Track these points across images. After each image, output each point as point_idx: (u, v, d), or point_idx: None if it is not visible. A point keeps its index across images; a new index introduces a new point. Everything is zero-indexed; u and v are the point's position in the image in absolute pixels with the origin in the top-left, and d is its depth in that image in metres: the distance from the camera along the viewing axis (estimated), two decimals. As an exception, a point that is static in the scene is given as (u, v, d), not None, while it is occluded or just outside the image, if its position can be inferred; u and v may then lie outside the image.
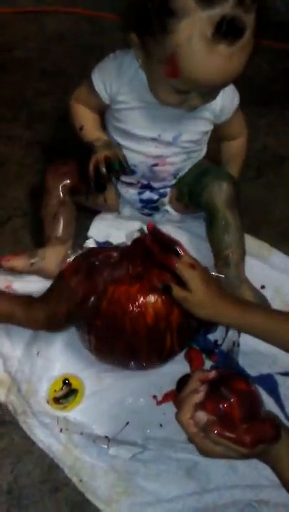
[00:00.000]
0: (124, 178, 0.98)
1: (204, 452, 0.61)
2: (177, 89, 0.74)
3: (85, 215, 1.03)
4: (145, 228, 1.03)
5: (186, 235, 1.01)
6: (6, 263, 0.90)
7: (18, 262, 0.91)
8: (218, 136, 0.97)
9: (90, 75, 0.87)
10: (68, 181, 0.94)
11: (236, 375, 0.68)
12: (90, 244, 1.01)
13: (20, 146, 1.23)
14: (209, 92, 0.77)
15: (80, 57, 1.46)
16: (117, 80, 0.83)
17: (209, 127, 0.92)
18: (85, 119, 0.91)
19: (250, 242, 1.00)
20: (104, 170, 0.83)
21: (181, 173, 0.96)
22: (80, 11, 1.65)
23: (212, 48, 0.66)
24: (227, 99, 0.87)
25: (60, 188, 0.94)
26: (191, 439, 0.61)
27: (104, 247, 0.98)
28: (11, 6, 1.65)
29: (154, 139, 0.88)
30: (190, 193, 0.95)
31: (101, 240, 1.02)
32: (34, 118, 1.30)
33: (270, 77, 1.47)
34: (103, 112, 0.92)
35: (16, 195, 1.12)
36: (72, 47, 1.53)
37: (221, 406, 0.59)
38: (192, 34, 0.65)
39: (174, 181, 0.97)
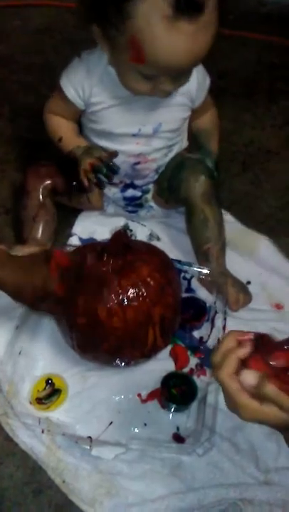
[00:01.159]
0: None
1: (249, 414, 0.52)
2: (146, 75, 0.72)
3: (68, 212, 1.02)
4: (130, 224, 1.02)
5: (169, 230, 1.00)
6: None
7: None
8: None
9: (58, 84, 0.85)
10: (49, 183, 0.92)
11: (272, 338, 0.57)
12: (73, 241, 1.00)
13: (3, 141, 1.21)
14: (179, 75, 0.75)
15: (66, 50, 1.44)
16: (88, 82, 0.82)
17: (187, 113, 0.90)
18: (62, 129, 0.89)
19: (239, 231, 1.00)
20: (94, 179, 0.83)
21: (162, 168, 0.95)
22: (65, 4, 1.62)
23: (173, 28, 0.64)
24: (201, 82, 0.87)
25: (41, 189, 0.92)
26: (232, 399, 0.52)
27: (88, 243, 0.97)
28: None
29: (134, 135, 0.87)
30: (169, 188, 0.94)
31: (85, 236, 1.01)
32: (17, 113, 1.28)
33: (256, 70, 1.46)
34: (78, 118, 0.91)
35: (0, 192, 1.10)
36: (57, 41, 1.51)
37: (269, 361, 0.52)
38: (151, 16, 0.64)
39: (156, 177, 0.96)
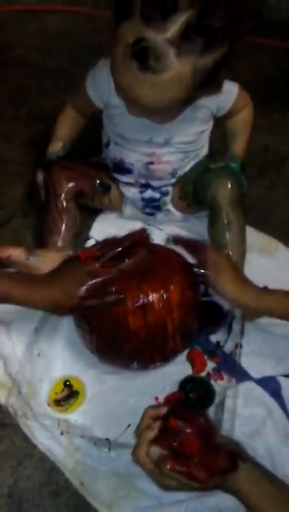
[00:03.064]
0: (122, 178, 0.97)
1: (162, 487, 0.61)
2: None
3: (86, 215, 1.02)
4: (147, 228, 1.02)
5: (192, 235, 1.00)
6: (2, 251, 0.88)
7: (15, 252, 0.88)
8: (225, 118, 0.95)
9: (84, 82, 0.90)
10: (73, 186, 0.93)
11: (187, 408, 0.71)
12: (91, 244, 1.00)
13: (20, 144, 1.22)
14: (136, 106, 0.74)
15: (81, 55, 1.45)
16: (109, 85, 0.83)
17: (204, 127, 0.90)
18: (64, 125, 0.98)
19: (258, 237, 1.00)
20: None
21: (180, 172, 0.96)
22: (81, 10, 1.64)
23: (127, 59, 0.64)
24: (223, 98, 0.87)
25: (64, 193, 0.93)
26: (148, 475, 0.61)
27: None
28: (12, 4, 1.64)
29: (146, 142, 0.88)
30: (194, 192, 0.95)
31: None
32: (34, 116, 1.30)
33: (271, 76, 1.47)
34: (94, 115, 0.95)
35: (16, 194, 1.11)
36: (72, 45, 1.52)
37: (173, 441, 0.61)
38: (123, 35, 0.64)
39: (173, 180, 0.97)
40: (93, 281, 0.71)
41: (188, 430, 0.61)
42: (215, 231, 0.91)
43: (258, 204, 1.11)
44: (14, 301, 0.73)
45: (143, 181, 0.96)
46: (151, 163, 0.92)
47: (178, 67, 0.64)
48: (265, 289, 0.81)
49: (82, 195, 0.95)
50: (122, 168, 0.96)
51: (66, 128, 0.98)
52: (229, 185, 0.89)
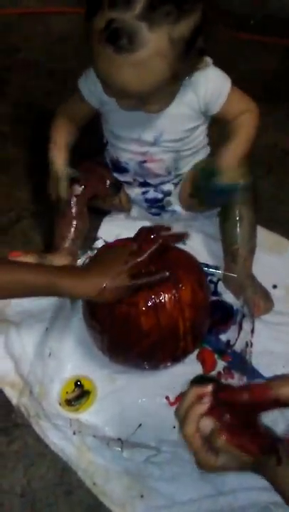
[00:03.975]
0: (120, 177, 0.98)
1: (204, 465, 0.58)
2: None
3: (94, 216, 1.02)
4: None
5: (195, 234, 1.00)
6: (15, 258, 0.89)
7: (27, 258, 0.90)
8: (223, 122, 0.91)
9: (76, 85, 0.89)
10: (89, 192, 0.94)
11: (233, 387, 0.66)
12: (99, 244, 1.01)
13: (28, 146, 1.23)
14: (122, 97, 0.74)
15: (86, 57, 1.45)
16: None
17: (195, 123, 0.88)
18: (59, 133, 0.94)
19: (267, 235, 0.99)
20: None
21: (178, 171, 0.95)
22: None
23: (102, 47, 0.65)
24: (212, 91, 0.84)
25: (80, 200, 0.93)
26: (193, 453, 0.58)
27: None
28: (17, 7, 1.65)
29: (135, 140, 0.88)
30: (206, 187, 0.93)
31: (110, 240, 1.01)
32: (41, 118, 1.30)
33: (278, 74, 1.46)
34: (88, 122, 0.94)
35: (24, 195, 1.12)
36: (77, 47, 1.52)
37: (225, 415, 0.57)
38: (95, 25, 0.65)
39: (172, 178, 0.96)
40: (139, 259, 0.72)
41: (236, 407, 0.57)
42: (226, 227, 0.92)
43: (266, 202, 1.10)
44: (60, 291, 0.71)
45: (140, 180, 0.96)
46: (145, 161, 0.92)
47: (153, 41, 0.63)
48: None
49: (94, 198, 0.96)
50: (119, 167, 0.96)
51: (64, 137, 0.94)
52: (242, 182, 0.89)
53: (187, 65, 0.72)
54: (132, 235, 0.98)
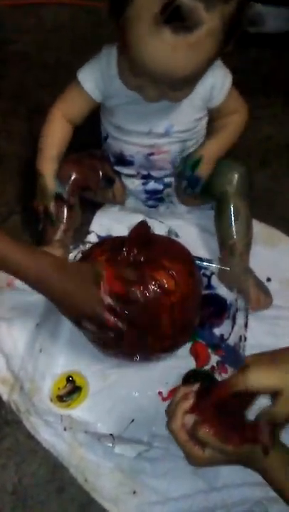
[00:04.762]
0: (123, 170, 0.96)
1: (192, 459, 0.63)
2: (132, 70, 0.71)
3: (86, 209, 1.01)
4: (148, 221, 1.01)
5: (189, 227, 0.99)
6: None
7: None
8: (211, 117, 0.92)
9: (75, 78, 0.85)
10: (78, 182, 0.91)
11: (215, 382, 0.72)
12: (91, 238, 1.00)
13: (20, 140, 1.21)
14: (162, 84, 0.72)
15: (80, 48, 1.44)
16: (107, 75, 0.82)
17: (202, 113, 0.89)
18: (50, 140, 0.89)
19: (261, 228, 0.99)
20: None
21: (180, 166, 0.94)
22: (78, 2, 1.62)
23: (156, 30, 0.63)
24: (217, 82, 0.84)
25: (69, 189, 0.91)
26: (181, 447, 0.63)
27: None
28: (8, -1, 1.63)
29: (145, 133, 0.87)
30: (183, 176, 0.93)
31: (103, 234, 1.00)
32: (33, 111, 1.28)
33: (273, 66, 1.44)
34: (82, 121, 0.90)
35: (16, 190, 1.10)
36: (71, 38, 1.50)
37: (207, 410, 0.61)
38: (142, 9, 0.63)
39: (173, 170, 0.95)
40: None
41: (220, 402, 0.61)
42: (222, 222, 0.91)
43: (261, 195, 1.09)
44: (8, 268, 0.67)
45: (145, 172, 0.95)
46: (152, 154, 0.91)
47: (209, 20, 0.63)
48: None
49: (86, 189, 0.94)
50: (123, 160, 0.95)
51: (56, 144, 0.89)
52: (237, 175, 0.89)
53: (227, 46, 0.71)
54: (124, 228, 0.98)
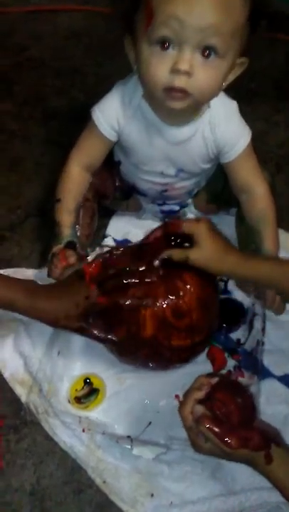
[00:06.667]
0: (138, 197, 0.97)
1: (194, 446, 0.67)
2: (160, 40, 0.65)
3: (103, 213, 1.02)
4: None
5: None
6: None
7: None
8: (232, 188, 0.88)
9: (90, 117, 0.83)
10: (94, 185, 0.91)
11: (237, 384, 0.73)
12: (108, 242, 1.00)
13: (37, 144, 1.23)
14: (197, 42, 0.64)
15: (95, 54, 1.45)
16: (122, 113, 0.80)
17: (211, 164, 0.87)
18: (68, 193, 0.86)
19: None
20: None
21: (197, 189, 0.95)
22: (93, 9, 1.64)
23: None
24: (229, 134, 0.81)
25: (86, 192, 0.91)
26: (186, 432, 0.67)
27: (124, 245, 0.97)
28: (24, 5, 1.65)
29: (159, 173, 0.87)
30: (223, 191, 0.93)
31: (119, 238, 1.01)
32: (49, 116, 1.30)
33: (286, 70, 1.45)
34: (101, 163, 0.88)
35: (33, 193, 1.12)
36: (86, 45, 1.52)
37: (217, 407, 0.65)
38: None
39: (189, 197, 0.96)
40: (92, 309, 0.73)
41: (231, 404, 0.66)
42: (244, 227, 0.91)
43: (276, 200, 1.09)
44: (18, 309, 0.78)
45: (160, 202, 0.96)
46: (165, 190, 0.91)
47: None
48: (252, 253, 0.82)
49: (102, 196, 0.95)
50: (137, 191, 0.95)
51: (74, 197, 0.87)
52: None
53: (248, 34, 0.69)
54: (141, 233, 0.98)
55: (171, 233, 0.74)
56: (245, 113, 0.84)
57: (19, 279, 0.81)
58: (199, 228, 0.72)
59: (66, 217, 0.86)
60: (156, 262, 0.74)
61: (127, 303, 0.71)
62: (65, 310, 0.75)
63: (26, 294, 0.76)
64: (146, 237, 0.78)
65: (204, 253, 0.71)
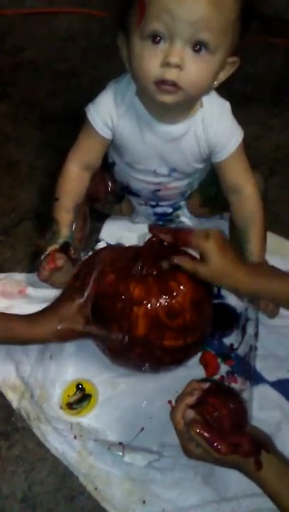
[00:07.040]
0: (131, 198, 0.97)
1: (186, 451, 0.67)
2: (149, 34, 0.65)
3: (96, 217, 1.02)
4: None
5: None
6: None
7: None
8: (223, 189, 0.88)
9: (86, 118, 0.83)
10: (89, 190, 0.90)
11: (229, 389, 0.74)
12: (101, 246, 1.00)
13: (32, 147, 1.22)
14: (190, 34, 0.64)
15: (91, 57, 1.45)
16: (115, 111, 0.81)
17: (203, 164, 0.88)
18: (66, 192, 0.86)
19: (270, 238, 0.98)
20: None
21: (190, 191, 0.94)
22: (90, 12, 1.64)
23: None
24: (221, 134, 0.81)
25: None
26: (178, 436, 0.67)
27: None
28: (21, 7, 1.65)
29: (152, 172, 0.87)
30: (217, 195, 0.92)
31: (113, 242, 1.01)
32: (45, 119, 1.30)
33: (282, 75, 1.45)
34: (100, 161, 0.88)
35: (27, 197, 1.11)
36: (82, 47, 1.52)
37: (207, 412, 0.65)
38: None
39: (182, 199, 0.96)
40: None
41: (223, 409, 0.66)
42: (237, 232, 0.90)
43: (269, 204, 1.08)
44: (18, 339, 0.78)
45: (153, 203, 0.96)
46: (158, 190, 0.91)
47: None
48: (261, 267, 0.81)
49: (95, 200, 0.94)
50: (130, 191, 0.95)
51: (73, 197, 0.87)
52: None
53: (239, 33, 0.68)
54: (134, 237, 0.99)
55: (180, 242, 0.73)
56: (241, 117, 0.84)
57: (12, 314, 0.83)
58: (208, 245, 0.70)
59: (64, 215, 0.86)
60: (165, 264, 0.75)
61: (120, 301, 0.72)
62: (64, 310, 0.76)
63: (22, 317, 0.79)
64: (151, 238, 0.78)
65: (212, 270, 0.70)
